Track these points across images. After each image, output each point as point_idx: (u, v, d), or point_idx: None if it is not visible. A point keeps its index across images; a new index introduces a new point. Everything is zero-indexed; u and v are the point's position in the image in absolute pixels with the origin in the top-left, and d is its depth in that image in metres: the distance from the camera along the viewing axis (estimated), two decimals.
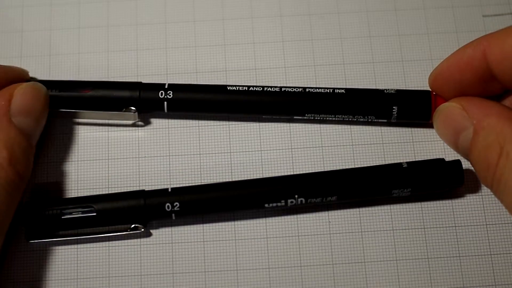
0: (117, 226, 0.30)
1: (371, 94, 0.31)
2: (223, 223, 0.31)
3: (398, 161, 0.30)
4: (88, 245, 0.30)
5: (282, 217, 0.31)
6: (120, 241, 0.30)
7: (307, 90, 0.31)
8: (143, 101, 0.31)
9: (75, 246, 0.30)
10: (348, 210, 0.31)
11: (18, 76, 0.30)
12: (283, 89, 0.31)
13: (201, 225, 0.31)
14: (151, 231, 0.31)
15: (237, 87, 0.31)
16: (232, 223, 0.31)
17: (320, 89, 0.31)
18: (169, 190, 0.30)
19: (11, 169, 0.27)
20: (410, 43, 0.34)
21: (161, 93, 0.31)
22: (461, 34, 0.34)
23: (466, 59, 0.28)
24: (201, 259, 0.30)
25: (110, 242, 0.30)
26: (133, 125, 0.32)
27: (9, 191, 0.27)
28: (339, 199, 0.30)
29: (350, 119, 0.31)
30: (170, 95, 0.31)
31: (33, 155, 0.29)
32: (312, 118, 0.31)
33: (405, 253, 0.30)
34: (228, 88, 0.31)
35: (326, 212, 0.31)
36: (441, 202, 0.31)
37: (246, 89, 0.31)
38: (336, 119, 0.31)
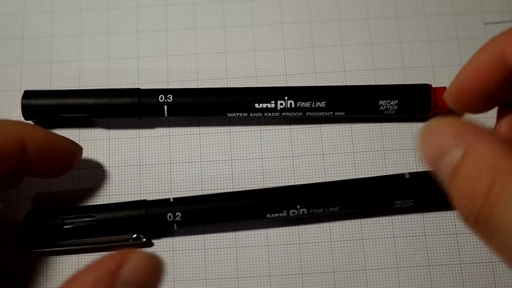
0: (119, 236, 0.30)
1: (371, 116, 0.32)
2: (224, 233, 0.31)
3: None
4: (90, 254, 0.30)
5: (283, 224, 0.31)
6: None
7: (307, 114, 0.31)
8: (143, 107, 0.31)
9: (77, 255, 0.30)
10: (348, 217, 0.31)
11: (67, 150, 0.29)
12: (283, 114, 0.31)
13: (202, 235, 0.31)
14: (153, 240, 0.31)
15: (237, 114, 0.31)
16: (233, 231, 0.31)
17: (320, 113, 0.31)
18: (171, 200, 0.30)
19: None
20: (411, 50, 0.34)
21: (161, 98, 0.31)
22: (462, 41, 0.34)
23: (485, 65, 0.26)
24: (202, 267, 0.30)
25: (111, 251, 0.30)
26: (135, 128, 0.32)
27: None
28: (341, 210, 0.30)
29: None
30: (170, 99, 0.31)
31: None
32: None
33: (406, 261, 0.30)
34: (228, 115, 0.31)
35: (327, 219, 0.31)
36: (442, 208, 0.31)
37: (246, 115, 0.31)
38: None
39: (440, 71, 0.33)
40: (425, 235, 0.30)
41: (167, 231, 0.31)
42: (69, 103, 0.31)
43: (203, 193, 0.31)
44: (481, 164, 0.24)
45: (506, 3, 0.34)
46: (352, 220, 0.31)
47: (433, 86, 0.32)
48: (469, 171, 0.24)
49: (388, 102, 0.31)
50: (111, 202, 0.31)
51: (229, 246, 0.30)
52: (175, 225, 0.29)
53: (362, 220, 0.31)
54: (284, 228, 0.31)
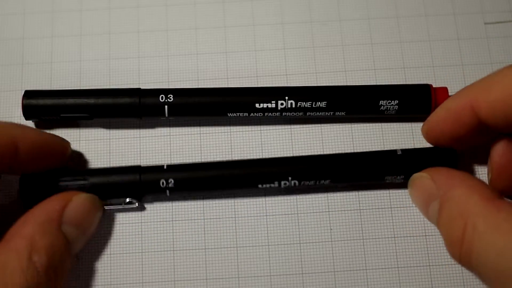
0: (112, 200, 0.30)
1: (372, 116, 0.32)
2: (224, 232, 0.31)
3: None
4: None
5: (284, 224, 0.31)
6: (119, 218, 0.31)
7: (307, 114, 0.31)
8: (144, 107, 0.31)
9: None
10: (349, 217, 0.31)
11: (57, 148, 0.30)
12: (283, 114, 0.31)
13: (203, 234, 0.31)
14: (146, 205, 0.31)
15: (238, 114, 0.31)
16: (234, 230, 0.31)
17: (320, 113, 0.31)
18: (165, 167, 0.30)
19: (45, 278, 0.26)
20: (411, 50, 0.34)
21: (162, 98, 0.31)
22: (462, 41, 0.34)
23: (454, 114, 0.28)
24: (202, 267, 0.30)
25: (109, 217, 0.31)
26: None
27: None
28: (332, 183, 0.30)
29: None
30: (170, 99, 0.31)
31: (70, 265, 0.28)
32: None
33: (407, 261, 0.30)
34: (229, 115, 0.31)
35: (328, 218, 0.31)
36: None
37: (247, 115, 0.31)
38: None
39: (440, 71, 0.33)
40: (425, 235, 0.30)
41: (160, 197, 0.31)
42: (69, 103, 0.31)
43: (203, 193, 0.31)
44: (453, 210, 0.25)
45: (506, 3, 0.34)
46: (353, 220, 0.31)
47: (434, 86, 0.32)
48: (445, 219, 0.26)
49: (389, 102, 0.31)
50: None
51: (230, 246, 0.30)
52: (167, 191, 0.30)
53: (362, 219, 0.31)
54: (284, 227, 0.31)
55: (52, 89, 0.33)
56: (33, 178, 0.29)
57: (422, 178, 0.28)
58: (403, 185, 0.31)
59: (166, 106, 0.31)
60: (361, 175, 0.30)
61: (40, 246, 0.26)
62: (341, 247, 0.30)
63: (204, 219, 0.31)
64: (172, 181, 0.29)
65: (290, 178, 0.29)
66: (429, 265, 0.30)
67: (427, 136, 0.30)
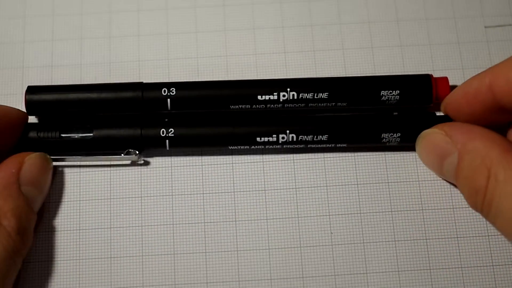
0: (113, 151, 0.31)
1: (373, 107, 0.32)
2: (224, 231, 0.31)
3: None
4: (89, 169, 0.32)
5: (284, 226, 0.31)
6: (120, 168, 0.32)
7: (309, 105, 0.31)
8: (146, 101, 0.31)
9: (70, 169, 0.32)
10: (350, 218, 0.31)
11: (15, 118, 0.30)
12: (285, 106, 0.31)
13: (203, 232, 0.31)
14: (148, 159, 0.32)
15: (240, 106, 0.31)
16: (234, 229, 0.31)
17: (322, 104, 0.31)
18: (166, 120, 0.31)
19: (18, 238, 0.27)
20: (412, 54, 0.34)
21: (164, 91, 0.31)
22: (463, 45, 0.34)
23: (473, 92, 0.28)
24: (203, 270, 0.30)
25: (111, 168, 0.32)
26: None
27: (14, 260, 0.27)
28: (330, 140, 0.31)
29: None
30: (173, 93, 0.31)
31: (35, 223, 0.29)
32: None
33: (407, 264, 0.30)
34: (231, 107, 0.31)
35: (328, 221, 0.31)
36: (443, 212, 0.31)
37: (249, 107, 0.31)
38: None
39: (441, 75, 0.33)
40: (426, 239, 0.30)
41: (160, 151, 0.32)
42: (72, 97, 0.31)
43: (205, 193, 0.31)
44: (474, 161, 0.26)
45: (507, 6, 0.34)
46: (353, 223, 0.31)
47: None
48: (466, 170, 0.26)
49: (390, 93, 0.31)
50: (112, 195, 0.32)
51: (230, 249, 0.30)
52: (167, 141, 0.30)
53: (362, 222, 0.31)
54: (285, 231, 0.31)
55: (54, 84, 0.33)
56: (35, 127, 0.30)
57: (434, 134, 0.29)
58: (404, 189, 0.31)
59: (168, 100, 0.31)
60: (358, 133, 0.31)
61: (6, 210, 0.27)
62: (342, 251, 0.30)
63: (203, 193, 0.31)
64: (172, 130, 0.30)
65: (288, 131, 0.30)
66: (430, 269, 0.30)
67: (445, 111, 0.30)
